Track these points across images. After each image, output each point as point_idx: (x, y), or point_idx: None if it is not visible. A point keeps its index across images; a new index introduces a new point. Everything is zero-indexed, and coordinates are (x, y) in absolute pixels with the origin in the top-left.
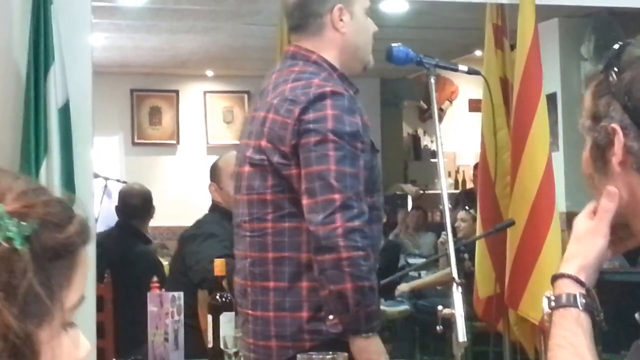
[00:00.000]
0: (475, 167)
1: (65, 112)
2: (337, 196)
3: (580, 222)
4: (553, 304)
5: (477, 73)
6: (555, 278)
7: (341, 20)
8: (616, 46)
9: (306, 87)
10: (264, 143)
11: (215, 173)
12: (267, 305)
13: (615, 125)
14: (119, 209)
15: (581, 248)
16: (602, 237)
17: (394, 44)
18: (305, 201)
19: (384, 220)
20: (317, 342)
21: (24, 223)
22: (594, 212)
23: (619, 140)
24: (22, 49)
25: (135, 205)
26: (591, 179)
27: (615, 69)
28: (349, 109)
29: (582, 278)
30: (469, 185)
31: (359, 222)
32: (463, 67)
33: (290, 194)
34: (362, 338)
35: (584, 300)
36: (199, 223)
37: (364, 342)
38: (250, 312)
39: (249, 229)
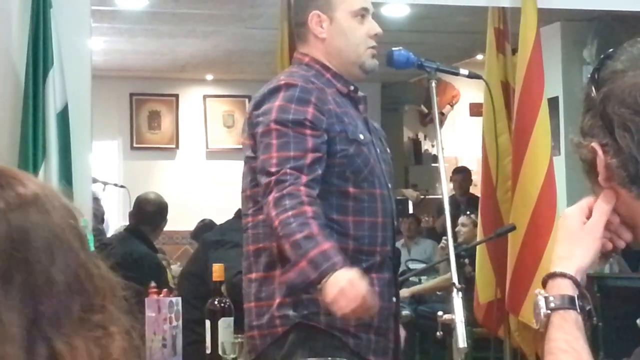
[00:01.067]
0: (454, 171)
1: (64, 116)
2: (272, 179)
3: (574, 219)
4: (553, 305)
5: (478, 77)
6: (553, 276)
7: (321, 26)
8: (600, 58)
9: (270, 84)
10: (243, 141)
11: None
12: (250, 296)
13: (595, 145)
14: (132, 214)
15: (578, 248)
16: (598, 239)
17: (394, 48)
18: None
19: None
20: (287, 327)
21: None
22: (588, 210)
23: (600, 158)
24: (21, 53)
25: (149, 213)
26: (592, 191)
27: (595, 85)
28: (299, 99)
29: (579, 279)
30: (471, 190)
31: (290, 188)
32: (464, 71)
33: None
34: (325, 285)
35: (581, 303)
36: (224, 227)
37: (326, 286)
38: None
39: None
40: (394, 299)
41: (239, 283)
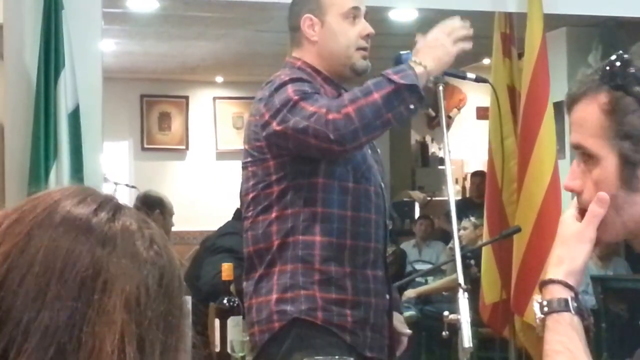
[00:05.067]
0: (473, 174)
1: (75, 117)
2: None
3: (566, 223)
4: (546, 309)
5: (484, 81)
6: (544, 283)
7: (313, 29)
8: (617, 63)
9: (271, 85)
10: (246, 146)
11: None
12: (250, 294)
13: None
14: None
15: (568, 252)
16: (589, 242)
17: (402, 52)
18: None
19: (390, 227)
20: (284, 322)
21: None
22: (580, 214)
23: None
24: (33, 54)
25: (135, 207)
26: (614, 199)
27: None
28: (309, 87)
29: (571, 282)
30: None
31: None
32: (471, 75)
33: (265, 189)
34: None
35: (575, 304)
36: (221, 231)
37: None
38: (244, 304)
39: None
40: (387, 297)
41: (217, 283)
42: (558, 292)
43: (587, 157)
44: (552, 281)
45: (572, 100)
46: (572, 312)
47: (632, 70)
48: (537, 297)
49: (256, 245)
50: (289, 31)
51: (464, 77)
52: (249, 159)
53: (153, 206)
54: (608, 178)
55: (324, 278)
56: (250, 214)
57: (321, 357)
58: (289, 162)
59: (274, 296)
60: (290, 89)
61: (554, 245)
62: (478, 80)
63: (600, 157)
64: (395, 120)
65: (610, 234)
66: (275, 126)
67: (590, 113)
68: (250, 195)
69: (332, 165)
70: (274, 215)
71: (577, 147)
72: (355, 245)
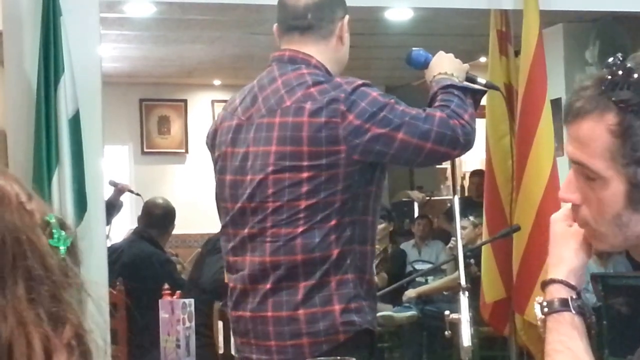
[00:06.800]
0: (472, 174)
1: (75, 122)
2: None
3: (558, 224)
4: (546, 309)
5: (495, 88)
6: (545, 284)
7: (346, 32)
8: (619, 72)
9: (336, 86)
10: (305, 148)
11: None
12: (296, 304)
13: None
14: (140, 218)
15: (565, 252)
16: (584, 241)
17: (414, 48)
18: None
19: (391, 228)
20: (351, 334)
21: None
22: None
23: None
24: (33, 60)
25: (157, 216)
26: (619, 218)
27: None
28: (397, 99)
29: (572, 281)
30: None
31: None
32: (482, 80)
33: (327, 197)
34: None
35: (576, 304)
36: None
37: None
38: (270, 314)
39: (270, 235)
40: None
41: (219, 279)
42: (558, 292)
43: (590, 175)
44: (553, 281)
45: (574, 115)
46: (573, 311)
47: (635, 76)
48: (538, 298)
49: (308, 254)
50: (315, 18)
51: (474, 81)
52: (306, 163)
53: (173, 216)
54: (614, 199)
55: (369, 287)
56: (302, 222)
57: (323, 358)
58: (357, 170)
59: (337, 307)
60: (373, 92)
61: (551, 244)
62: (488, 86)
63: (607, 179)
64: None
65: (611, 246)
66: (375, 129)
67: (597, 134)
68: (304, 204)
69: (382, 172)
70: (333, 223)
71: (578, 164)
72: (373, 251)
